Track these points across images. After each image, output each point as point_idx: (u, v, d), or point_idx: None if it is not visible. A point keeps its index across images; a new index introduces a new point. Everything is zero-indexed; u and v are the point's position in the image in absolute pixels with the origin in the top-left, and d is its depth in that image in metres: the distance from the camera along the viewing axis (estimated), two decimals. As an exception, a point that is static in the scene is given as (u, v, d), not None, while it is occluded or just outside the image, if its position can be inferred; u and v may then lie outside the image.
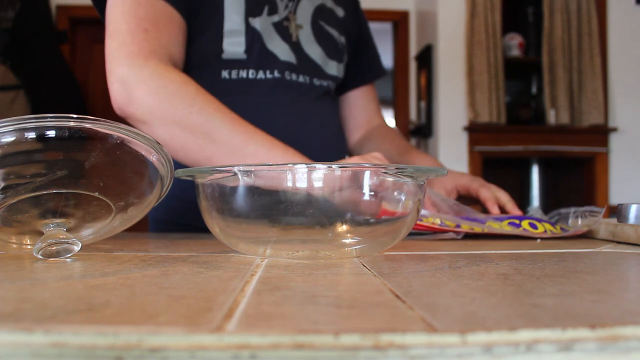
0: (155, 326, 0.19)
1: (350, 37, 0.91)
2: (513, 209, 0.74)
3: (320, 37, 0.82)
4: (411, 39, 3.55)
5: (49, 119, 0.35)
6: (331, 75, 0.84)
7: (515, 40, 3.21)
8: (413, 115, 3.55)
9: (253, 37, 0.75)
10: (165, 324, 0.19)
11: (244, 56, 0.75)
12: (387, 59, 4.38)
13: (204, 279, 0.30)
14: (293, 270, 0.33)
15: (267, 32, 0.76)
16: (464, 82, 3.05)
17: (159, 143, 0.41)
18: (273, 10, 0.77)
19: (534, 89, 3.43)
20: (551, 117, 3.07)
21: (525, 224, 0.59)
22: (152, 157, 0.41)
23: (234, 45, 0.74)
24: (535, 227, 0.58)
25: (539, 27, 3.16)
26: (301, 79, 0.79)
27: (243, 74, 0.75)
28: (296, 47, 0.79)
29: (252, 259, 0.39)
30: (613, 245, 0.50)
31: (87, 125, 0.37)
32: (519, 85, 3.46)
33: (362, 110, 0.97)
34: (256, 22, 0.75)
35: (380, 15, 3.45)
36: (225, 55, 0.74)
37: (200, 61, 0.75)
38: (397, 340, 0.18)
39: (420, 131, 3.37)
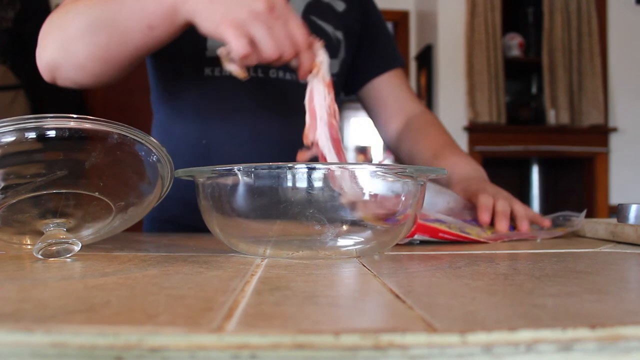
0: (155, 326, 0.19)
1: (351, 31, 0.88)
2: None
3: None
4: (411, 39, 3.55)
5: (49, 119, 0.35)
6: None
7: (515, 40, 3.21)
8: (413, 115, 3.54)
9: None
10: (165, 324, 0.19)
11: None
12: (387, 59, 4.37)
13: (204, 279, 0.30)
14: (293, 270, 0.33)
15: None
16: (464, 82, 3.05)
17: (158, 143, 0.41)
18: None
19: (534, 89, 3.43)
20: (551, 117, 3.07)
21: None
22: (152, 157, 0.41)
23: (216, 42, 0.73)
24: (510, 228, 0.58)
25: (539, 27, 3.16)
26: (288, 76, 0.78)
27: (226, 71, 0.75)
28: None
29: (252, 259, 0.39)
30: (613, 245, 0.50)
31: (87, 125, 0.37)
32: (519, 85, 3.46)
33: (391, 97, 0.90)
34: None
35: (380, 15, 3.45)
36: (208, 53, 0.74)
37: (183, 59, 0.75)
38: (397, 340, 0.18)
39: (420, 131, 3.37)
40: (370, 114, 0.93)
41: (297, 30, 0.53)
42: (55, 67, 0.65)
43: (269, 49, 0.51)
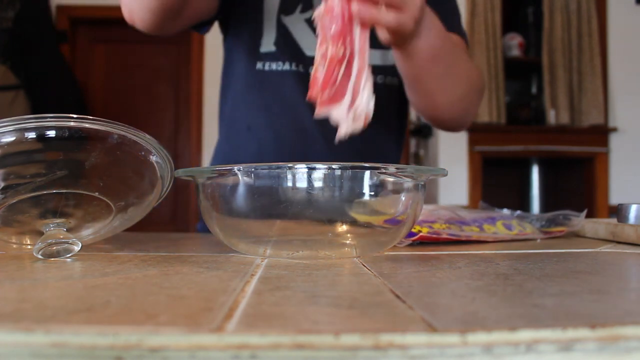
0: (155, 326, 0.19)
1: None
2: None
3: None
4: (411, 39, 3.54)
5: (49, 119, 0.35)
6: (371, 65, 0.80)
7: (515, 40, 3.21)
8: (413, 115, 3.55)
9: (282, 32, 0.80)
10: (165, 324, 0.19)
11: (273, 48, 0.80)
12: (387, 59, 4.37)
13: (204, 279, 0.30)
14: (293, 270, 0.33)
15: (296, 27, 0.80)
16: (464, 82, 3.04)
17: (159, 142, 0.41)
18: (306, 7, 0.81)
19: (534, 89, 3.43)
20: (551, 117, 3.07)
21: (499, 224, 0.58)
22: (152, 157, 0.41)
23: (267, 39, 0.81)
24: (510, 228, 0.57)
25: (539, 27, 3.16)
26: None
27: (273, 66, 0.81)
28: None
29: (252, 259, 0.39)
30: (613, 245, 0.50)
31: (87, 125, 0.37)
32: (519, 85, 3.45)
33: None
34: (287, 20, 0.80)
35: (380, 15, 3.45)
36: (262, 49, 0.81)
37: (241, 53, 0.83)
38: (397, 340, 0.18)
39: (420, 131, 3.37)
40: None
41: None
42: (130, 10, 0.72)
43: None
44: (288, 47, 0.80)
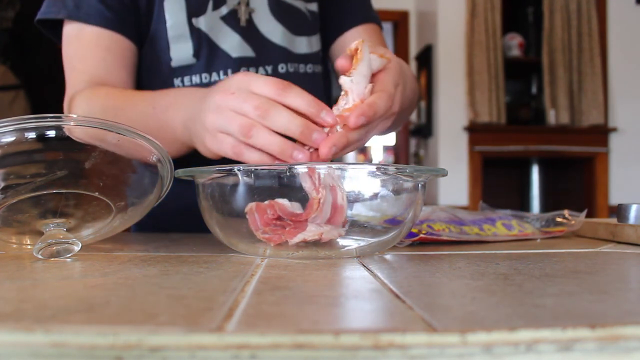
0: (155, 326, 0.19)
1: None
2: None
3: (281, 13, 0.74)
4: (411, 39, 3.55)
5: (49, 119, 0.35)
6: (300, 54, 0.75)
7: (515, 40, 3.21)
8: (413, 115, 3.55)
9: (200, 39, 0.69)
10: (165, 324, 0.19)
11: (193, 60, 0.69)
12: (387, 59, 4.37)
13: (204, 279, 0.30)
14: (293, 270, 0.33)
15: (215, 29, 0.70)
16: (464, 82, 3.05)
17: (158, 143, 0.41)
18: (219, 3, 0.70)
19: (534, 89, 3.43)
20: (551, 117, 3.07)
21: (499, 225, 0.58)
22: (152, 157, 0.41)
23: (180, 51, 0.69)
24: (510, 228, 0.57)
25: (539, 27, 3.16)
26: (261, 71, 0.73)
27: (195, 79, 0.70)
28: (251, 34, 0.72)
29: (252, 259, 0.39)
30: (613, 245, 0.50)
31: (87, 126, 0.37)
32: (519, 85, 3.46)
33: None
34: (201, 22, 0.69)
35: (380, 15, 3.43)
36: (174, 63, 0.70)
37: (154, 69, 0.72)
38: (397, 340, 0.18)
39: (420, 131, 3.38)
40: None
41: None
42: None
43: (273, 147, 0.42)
44: (211, 55, 0.69)
